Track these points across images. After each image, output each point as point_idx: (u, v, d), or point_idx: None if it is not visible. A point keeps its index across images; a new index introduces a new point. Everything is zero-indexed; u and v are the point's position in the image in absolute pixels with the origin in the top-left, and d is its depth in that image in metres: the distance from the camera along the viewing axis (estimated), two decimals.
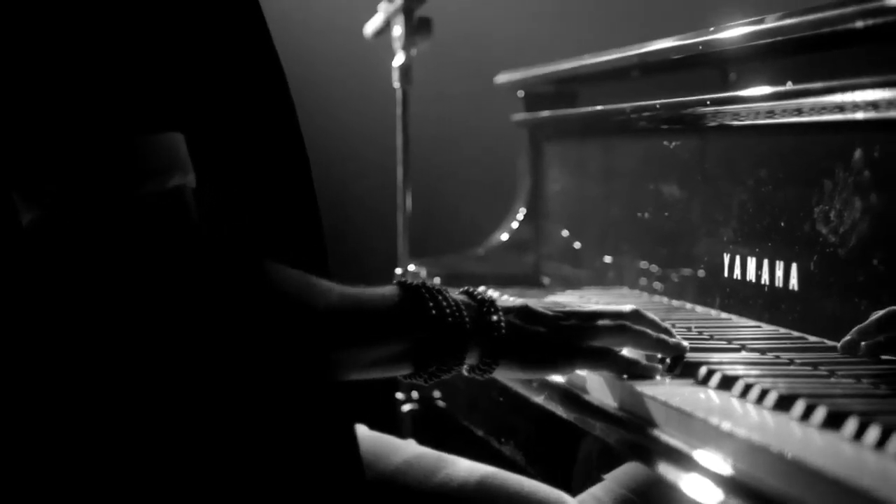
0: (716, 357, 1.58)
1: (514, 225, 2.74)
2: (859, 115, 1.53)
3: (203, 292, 1.23)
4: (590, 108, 2.40)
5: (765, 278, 1.76)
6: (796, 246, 1.68)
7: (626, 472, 1.53)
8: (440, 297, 1.39)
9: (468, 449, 1.79)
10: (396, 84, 2.63)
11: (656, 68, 2.16)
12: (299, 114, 1.41)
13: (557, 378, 1.71)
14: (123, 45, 1.22)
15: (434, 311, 1.37)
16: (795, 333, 1.68)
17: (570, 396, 1.65)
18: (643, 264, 2.21)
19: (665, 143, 2.13)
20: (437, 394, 2.54)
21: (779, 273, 1.72)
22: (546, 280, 2.67)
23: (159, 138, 1.22)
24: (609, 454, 1.54)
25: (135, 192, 1.20)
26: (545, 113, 2.64)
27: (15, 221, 1.21)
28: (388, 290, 1.39)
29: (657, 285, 2.15)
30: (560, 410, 1.66)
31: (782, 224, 1.72)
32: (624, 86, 2.32)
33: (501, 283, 2.57)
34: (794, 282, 1.68)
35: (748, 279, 1.80)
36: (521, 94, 2.73)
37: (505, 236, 2.74)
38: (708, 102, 1.88)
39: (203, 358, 1.25)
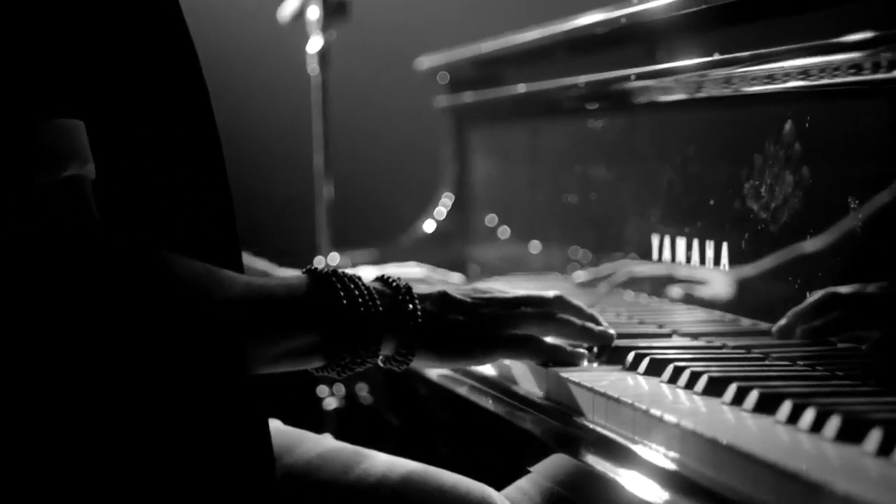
0: (645, 342, 1.52)
1: (440, 213, 2.67)
2: (790, 84, 1.47)
3: (93, 285, 1.18)
4: (515, 90, 2.33)
5: (695, 259, 1.70)
6: (726, 225, 1.62)
7: (552, 464, 1.47)
8: (352, 286, 1.32)
9: (393, 446, 1.72)
10: (313, 70, 2.55)
11: (582, 45, 2.08)
12: (214, 103, 1.35)
13: (481, 368, 1.64)
14: (16, 25, 1.17)
15: (345, 301, 1.30)
16: (729, 317, 1.62)
17: (495, 386, 1.59)
18: (573, 249, 2.14)
19: (593, 122, 2.06)
20: (362, 389, 2.46)
21: (709, 254, 1.66)
22: (474, 268, 2.59)
23: (55, 125, 1.17)
24: (536, 445, 1.47)
25: (24, 182, 1.15)
26: (469, 96, 2.57)
27: None
28: (297, 278, 1.32)
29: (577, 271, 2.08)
30: (484, 401, 1.60)
31: (711, 203, 1.65)
32: (550, 65, 2.25)
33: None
34: (724, 262, 1.61)
35: (678, 261, 1.74)
36: (443, 77, 2.66)
37: (430, 225, 2.66)
38: (633, 77, 1.82)
39: (95, 352, 1.19)
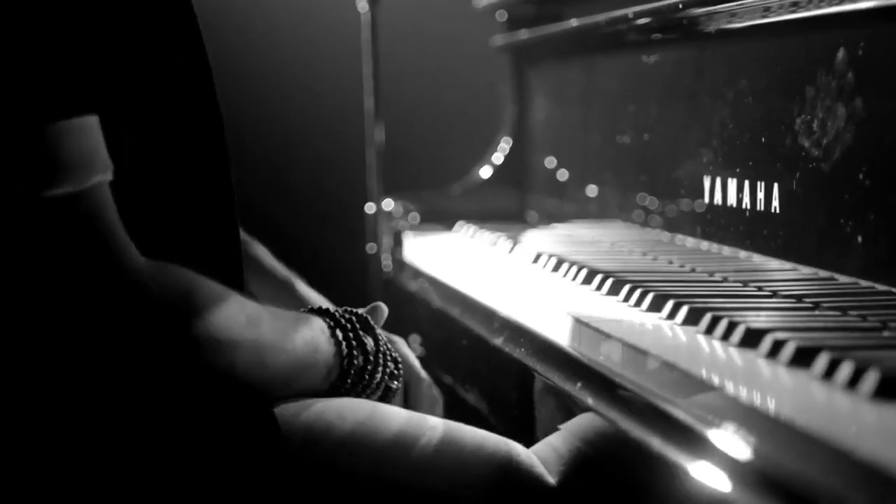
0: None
1: (497, 158, 2.56)
2: (847, 7, 1.33)
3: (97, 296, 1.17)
4: (573, 24, 2.20)
5: (745, 201, 1.58)
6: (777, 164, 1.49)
7: (581, 423, 1.36)
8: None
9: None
10: (363, 7, 2.45)
11: None
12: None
13: (515, 316, 1.55)
14: (24, 22, 1.13)
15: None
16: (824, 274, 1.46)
17: (528, 337, 1.49)
18: (635, 193, 2.01)
19: (653, 57, 1.93)
20: (416, 340, 2.38)
21: (760, 195, 1.53)
22: (532, 214, 2.49)
23: (70, 126, 1.14)
24: (568, 403, 1.38)
25: (45, 194, 1.13)
26: (528, 34, 2.45)
27: None
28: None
29: (654, 218, 1.94)
30: (518, 353, 1.51)
31: (763, 140, 1.53)
32: None
33: (484, 218, 2.41)
34: (775, 204, 1.49)
35: (729, 203, 1.62)
36: (501, 15, 2.55)
37: (487, 171, 2.56)
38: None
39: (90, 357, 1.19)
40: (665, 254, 1.75)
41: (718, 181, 1.66)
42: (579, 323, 1.37)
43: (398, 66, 2.88)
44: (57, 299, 1.16)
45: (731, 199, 1.62)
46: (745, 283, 1.46)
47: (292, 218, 3.14)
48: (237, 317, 1.25)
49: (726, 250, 1.66)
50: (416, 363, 1.58)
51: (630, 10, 1.87)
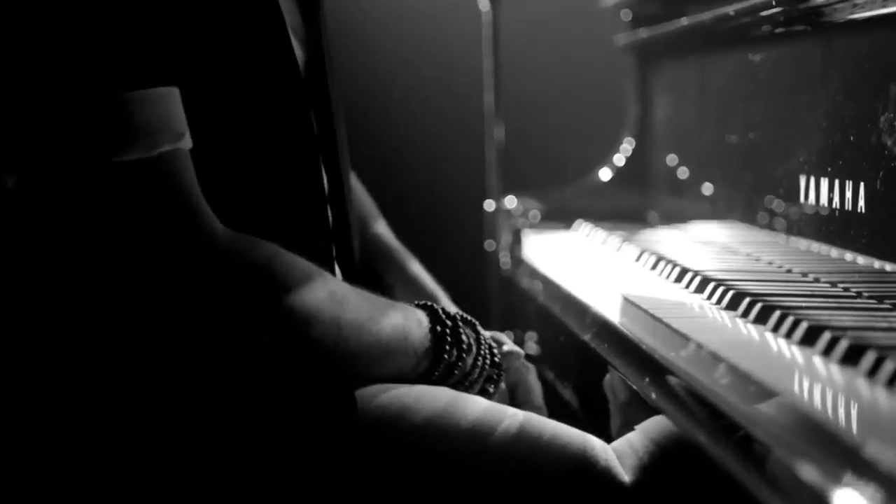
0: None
1: (619, 160, 2.54)
2: None
3: (178, 267, 1.19)
4: (697, 19, 2.15)
5: (836, 201, 1.54)
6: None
7: (655, 425, 1.35)
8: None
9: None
10: (484, 5, 2.46)
11: None
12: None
13: (602, 312, 1.54)
14: None
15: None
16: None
17: (609, 333, 1.48)
18: (752, 193, 1.97)
19: (774, 52, 1.88)
20: (532, 337, 2.38)
21: (848, 194, 1.50)
22: (652, 214, 2.46)
23: (144, 96, 1.17)
24: (643, 402, 1.36)
25: (116, 159, 1.16)
26: (652, 31, 2.42)
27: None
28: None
29: (777, 221, 1.90)
30: (602, 349, 1.50)
31: (851, 139, 1.49)
32: None
33: (605, 218, 2.40)
34: (861, 204, 1.45)
35: (821, 203, 1.57)
36: (626, 14, 2.52)
37: (606, 173, 2.54)
38: None
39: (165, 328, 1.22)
40: (770, 254, 1.72)
41: (837, 183, 1.61)
42: (654, 320, 1.36)
43: (520, 64, 2.88)
44: (132, 262, 1.18)
45: (847, 201, 1.58)
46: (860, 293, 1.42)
47: (412, 213, 3.16)
48: (318, 292, 1.25)
49: (834, 252, 1.62)
50: (530, 373, 1.58)
51: (750, 2, 1.83)
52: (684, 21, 2.19)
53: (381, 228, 1.83)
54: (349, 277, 1.43)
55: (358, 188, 1.79)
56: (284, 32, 1.34)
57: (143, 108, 1.17)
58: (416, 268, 1.80)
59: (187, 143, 1.20)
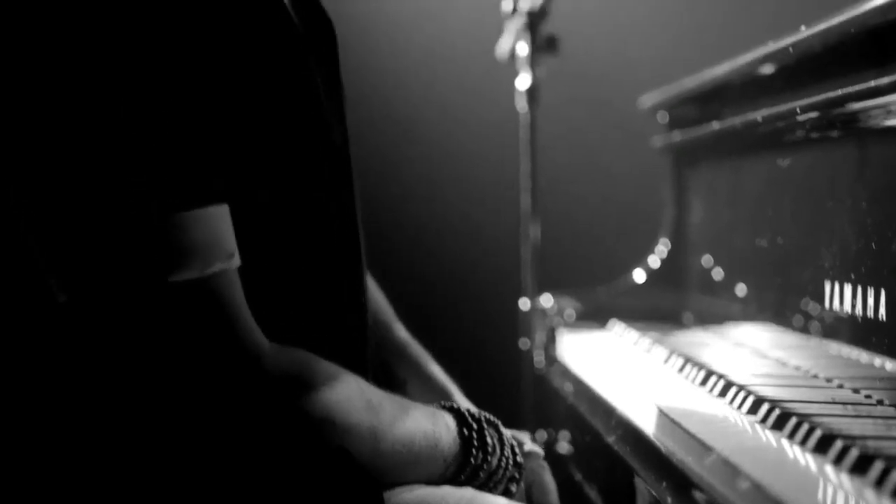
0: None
1: (654, 261, 2.55)
2: None
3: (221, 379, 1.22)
4: (734, 122, 2.16)
5: (858, 306, 1.54)
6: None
7: None
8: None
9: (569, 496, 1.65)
10: (522, 107, 2.49)
11: (807, 63, 1.84)
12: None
13: (626, 414, 1.55)
14: (161, 115, 1.18)
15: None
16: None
17: (632, 436, 1.48)
18: (790, 296, 1.97)
19: (807, 156, 1.88)
20: (565, 436, 2.38)
21: (870, 301, 1.50)
22: (687, 315, 2.46)
23: (198, 215, 1.19)
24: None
25: (169, 279, 1.18)
26: (686, 134, 2.44)
27: (51, 302, 1.21)
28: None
29: (812, 324, 1.89)
30: (625, 452, 1.50)
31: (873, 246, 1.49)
32: (771, 91, 2.06)
33: (640, 317, 2.40)
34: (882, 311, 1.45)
35: (844, 309, 1.57)
36: (663, 116, 2.54)
37: (641, 275, 2.55)
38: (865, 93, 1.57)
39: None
40: (799, 358, 1.72)
41: (860, 289, 1.62)
42: (673, 424, 1.37)
43: (556, 164, 2.91)
44: (181, 380, 1.20)
45: (869, 307, 1.58)
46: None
47: (447, 310, 3.19)
48: (355, 401, 1.27)
49: (864, 356, 1.62)
50: (546, 472, 1.59)
51: (777, 109, 1.84)
52: (716, 125, 2.21)
53: (400, 331, 1.85)
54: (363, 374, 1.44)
55: (374, 290, 1.81)
56: (342, 153, 1.38)
57: (197, 228, 1.19)
58: (429, 363, 1.82)
59: (237, 261, 1.22)
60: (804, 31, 1.76)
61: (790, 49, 1.83)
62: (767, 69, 1.98)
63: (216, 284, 1.20)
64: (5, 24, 1.18)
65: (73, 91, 1.16)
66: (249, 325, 1.23)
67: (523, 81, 2.47)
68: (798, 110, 1.76)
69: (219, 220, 1.21)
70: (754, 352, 1.89)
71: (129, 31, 1.17)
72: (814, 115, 1.74)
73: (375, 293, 1.84)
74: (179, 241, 1.18)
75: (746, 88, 2.19)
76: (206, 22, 1.22)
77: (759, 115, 1.94)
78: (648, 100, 2.56)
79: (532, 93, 2.46)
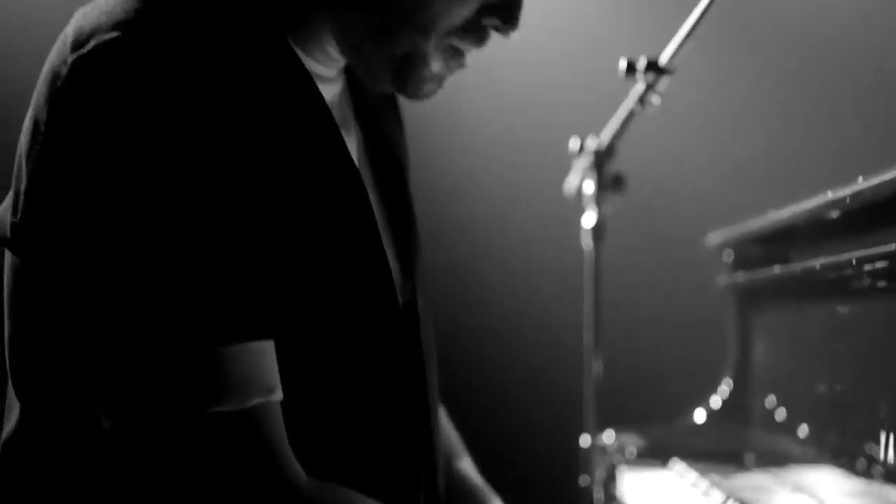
0: None
1: (715, 402, 2.54)
2: None
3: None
4: (803, 266, 2.16)
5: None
6: None
7: None
8: None
9: None
10: (587, 245, 2.50)
11: (872, 212, 1.86)
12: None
13: None
14: (211, 249, 1.20)
15: None
16: None
17: None
18: (852, 441, 1.95)
19: (873, 305, 1.88)
20: None
21: None
22: (749, 456, 2.44)
23: (242, 350, 1.21)
24: None
25: (209, 410, 1.20)
26: (753, 276, 2.45)
27: (97, 427, 1.23)
28: None
29: (875, 469, 1.87)
30: None
31: None
32: (837, 237, 2.08)
33: (703, 457, 2.39)
34: None
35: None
36: (728, 255, 2.55)
37: (701, 415, 2.54)
38: None
39: None
40: None
41: None
42: None
43: (621, 299, 2.92)
44: None
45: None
46: None
47: (508, 444, 3.18)
48: None
49: None
50: None
51: (844, 257, 1.84)
52: (778, 269, 2.21)
53: (465, 464, 1.84)
54: None
55: (445, 423, 1.82)
56: (389, 287, 1.39)
57: (239, 362, 1.21)
58: (492, 499, 1.81)
59: (278, 395, 1.24)
60: (866, 182, 1.77)
61: (849, 199, 1.85)
62: (831, 215, 1.99)
63: (255, 417, 1.22)
64: (65, 149, 1.21)
65: (126, 222, 1.19)
66: (287, 460, 1.24)
67: (589, 219, 2.49)
68: (854, 261, 1.77)
69: (261, 356, 1.23)
70: (812, 497, 1.87)
71: (186, 165, 1.19)
72: (873, 265, 1.74)
73: (447, 426, 1.84)
74: (221, 375, 1.20)
75: (810, 233, 2.20)
76: (261, 160, 1.24)
77: (818, 262, 1.95)
78: (714, 238, 2.58)
79: (597, 231, 2.48)
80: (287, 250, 1.27)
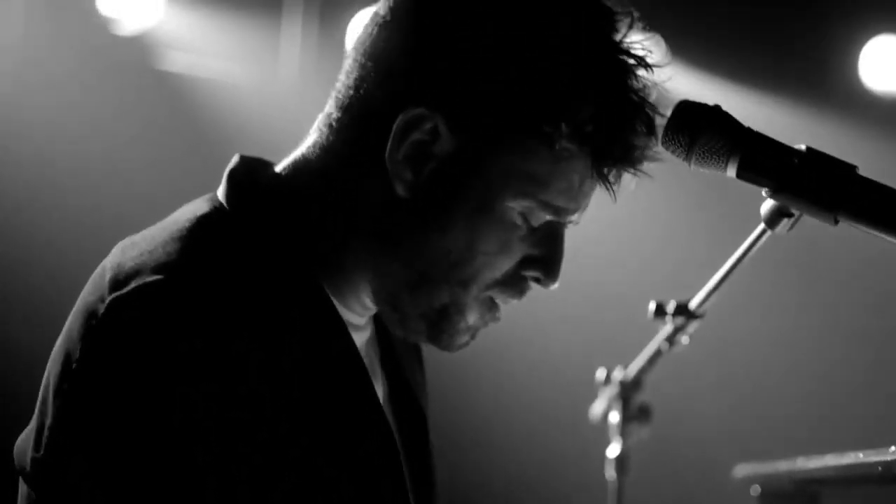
0: None
1: None
2: None
3: None
4: None
5: None
6: None
7: None
8: None
9: None
10: (611, 475, 2.46)
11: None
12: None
13: None
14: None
15: None
16: None
17: None
18: None
19: None
20: None
21: None
22: None
23: None
24: None
25: None
26: None
27: None
28: None
29: None
30: None
31: None
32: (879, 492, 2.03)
33: None
34: None
35: None
36: (755, 490, 2.49)
37: None
38: None
39: None
40: None
41: None
42: None
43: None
44: None
45: None
46: None
47: None
48: None
49: None
50: None
51: None
52: None
53: None
54: None
55: None
56: None
57: None
58: None
59: None
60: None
61: (879, 465, 1.80)
62: (859, 474, 1.95)
63: None
64: (97, 393, 1.20)
65: (154, 474, 1.20)
66: None
67: (613, 450, 2.45)
68: None
69: None
70: None
71: (218, 422, 1.21)
72: None
73: None
74: None
75: (840, 485, 2.15)
76: (293, 412, 1.25)
77: None
78: (742, 470, 2.52)
79: (621, 461, 2.45)
80: (316, 498, 1.26)
